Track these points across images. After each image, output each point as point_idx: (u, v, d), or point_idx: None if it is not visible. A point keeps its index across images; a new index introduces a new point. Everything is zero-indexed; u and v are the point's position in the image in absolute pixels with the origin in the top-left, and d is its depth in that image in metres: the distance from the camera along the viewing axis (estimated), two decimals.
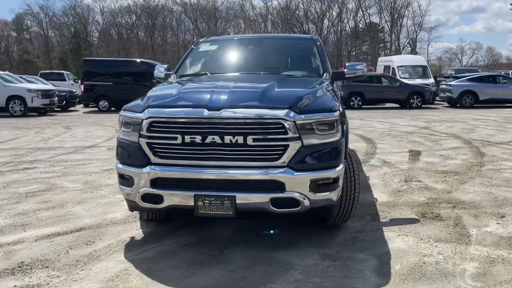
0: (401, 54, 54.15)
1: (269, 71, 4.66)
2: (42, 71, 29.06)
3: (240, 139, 3.28)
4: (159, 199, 3.48)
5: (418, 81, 23.15)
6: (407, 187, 5.51)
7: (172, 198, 3.46)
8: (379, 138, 9.75)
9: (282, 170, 3.32)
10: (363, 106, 20.56)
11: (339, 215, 3.92)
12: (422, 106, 20.68)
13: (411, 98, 20.71)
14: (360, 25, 69.39)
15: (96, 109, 21.75)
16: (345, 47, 70.52)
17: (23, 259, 3.45)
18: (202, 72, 4.79)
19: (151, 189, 3.47)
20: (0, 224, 4.30)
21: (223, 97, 3.43)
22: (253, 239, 3.88)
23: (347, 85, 20.49)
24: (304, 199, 3.39)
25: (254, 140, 3.29)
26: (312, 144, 3.40)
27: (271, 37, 5.52)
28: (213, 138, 3.30)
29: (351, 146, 8.67)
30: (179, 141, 3.36)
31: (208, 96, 3.47)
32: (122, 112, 3.69)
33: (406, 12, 65.78)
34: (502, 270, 3.19)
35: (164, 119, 3.42)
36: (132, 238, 3.91)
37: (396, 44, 67.42)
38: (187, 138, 3.34)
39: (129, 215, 4.41)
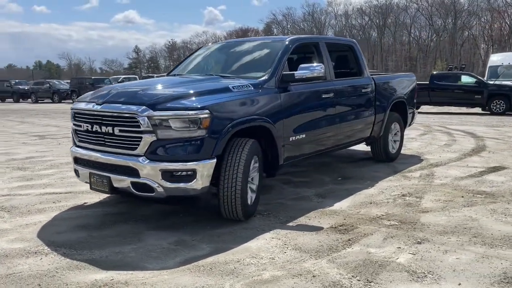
0: None
1: (230, 73, 5.06)
2: None
3: (110, 129, 4.00)
4: (78, 173, 4.48)
5: None
6: (391, 201, 4.97)
7: (81, 173, 4.41)
8: (494, 151, 8.26)
9: (136, 158, 3.89)
10: (507, 112, 16.74)
11: (225, 210, 4.14)
12: None
13: None
14: None
15: None
16: None
17: (6, 204, 4.94)
18: (174, 74, 5.55)
19: (75, 165, 4.51)
20: (41, 183, 5.99)
21: (111, 95, 4.17)
22: (156, 219, 4.45)
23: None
24: (158, 186, 3.87)
25: (120, 131, 3.96)
26: (168, 138, 3.84)
27: (247, 41, 5.74)
28: (96, 127, 4.10)
29: (453, 156, 7.76)
30: (82, 128, 4.29)
31: (104, 93, 4.27)
32: None
33: None
34: (289, 282, 3.03)
35: (76, 111, 4.40)
36: (85, 203, 5.00)
37: None
38: (85, 126, 4.23)
39: None
